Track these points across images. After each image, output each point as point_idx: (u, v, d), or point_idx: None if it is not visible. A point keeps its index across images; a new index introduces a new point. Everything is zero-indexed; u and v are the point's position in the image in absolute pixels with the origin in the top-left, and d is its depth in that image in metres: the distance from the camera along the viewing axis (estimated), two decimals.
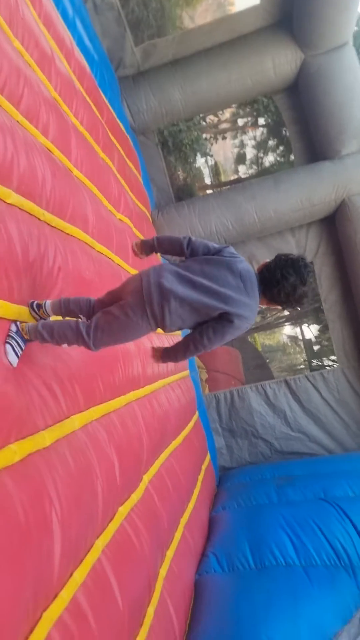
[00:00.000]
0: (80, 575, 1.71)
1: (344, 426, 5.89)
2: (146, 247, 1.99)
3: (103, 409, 2.41)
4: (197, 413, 5.26)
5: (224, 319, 1.77)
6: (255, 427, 6.02)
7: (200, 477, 4.45)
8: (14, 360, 1.64)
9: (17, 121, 2.35)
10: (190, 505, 3.66)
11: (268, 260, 1.92)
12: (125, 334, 1.83)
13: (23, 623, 1.30)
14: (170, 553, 2.81)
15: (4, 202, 1.95)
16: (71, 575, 1.66)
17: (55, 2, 3.64)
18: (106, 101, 4.56)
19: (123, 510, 2.29)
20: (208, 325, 1.79)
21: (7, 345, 1.64)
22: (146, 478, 2.81)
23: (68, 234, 2.65)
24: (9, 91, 2.27)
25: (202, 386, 6.67)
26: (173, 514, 3.07)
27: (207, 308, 1.76)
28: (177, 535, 3.08)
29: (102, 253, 3.27)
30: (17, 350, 1.67)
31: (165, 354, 1.95)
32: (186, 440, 4.23)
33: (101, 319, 1.79)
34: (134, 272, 4.08)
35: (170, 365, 4.38)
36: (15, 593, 1.25)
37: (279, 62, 5.33)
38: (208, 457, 5.18)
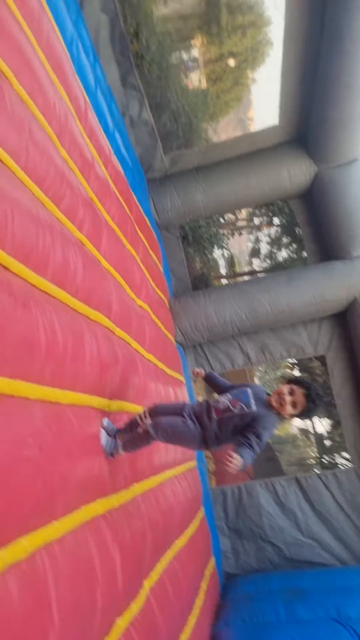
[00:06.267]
0: None
1: (357, 534, 5.47)
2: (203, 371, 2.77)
3: (107, 502, 2.31)
4: (202, 509, 4.97)
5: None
6: (263, 529, 5.62)
7: (204, 585, 4.08)
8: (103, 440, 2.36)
9: (57, 218, 2.59)
10: (192, 619, 3.32)
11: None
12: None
13: None
14: None
15: (42, 290, 2.09)
16: None
17: (98, 117, 4.16)
18: (136, 200, 4.99)
19: (121, 623, 2.09)
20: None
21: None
22: (147, 584, 2.59)
23: (93, 320, 2.77)
24: (52, 193, 2.53)
25: (208, 478, 6.37)
26: (173, 628, 2.78)
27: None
28: None
29: (121, 338, 3.37)
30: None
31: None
32: (191, 540, 3.95)
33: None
34: (149, 357, 4.16)
35: (178, 453, 4.25)
36: None
37: (294, 172, 5.84)
38: (212, 561, 4.79)
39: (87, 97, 3.63)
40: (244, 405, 2.31)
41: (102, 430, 2.37)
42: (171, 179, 6.21)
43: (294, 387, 2.29)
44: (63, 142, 2.92)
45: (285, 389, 2.30)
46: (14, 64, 2.28)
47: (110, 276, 3.33)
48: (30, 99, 2.44)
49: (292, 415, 2.32)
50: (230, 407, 2.33)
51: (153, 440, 2.38)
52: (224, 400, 2.39)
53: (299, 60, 4.92)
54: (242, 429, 2.29)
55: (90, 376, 2.40)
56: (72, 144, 3.05)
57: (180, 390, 5.09)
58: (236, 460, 2.05)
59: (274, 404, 2.29)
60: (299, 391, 2.27)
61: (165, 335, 5.20)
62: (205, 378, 2.74)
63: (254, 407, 2.30)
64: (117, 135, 4.66)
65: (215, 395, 2.64)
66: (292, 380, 2.35)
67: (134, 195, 4.87)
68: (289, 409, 2.26)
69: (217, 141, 6.44)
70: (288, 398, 2.27)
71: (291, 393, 2.28)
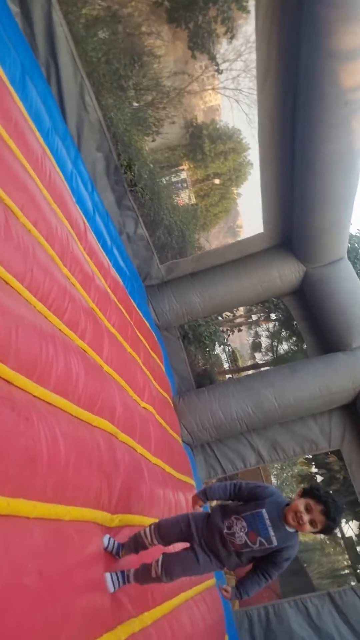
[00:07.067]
0: None
1: None
2: (201, 500, 2.43)
3: (114, 636, 2.07)
4: (227, 638, 4.37)
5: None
6: None
7: None
8: (111, 587, 2.17)
9: (60, 329, 2.72)
10: None
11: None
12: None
13: None
14: None
15: (44, 401, 2.12)
16: None
17: (97, 237, 4.56)
18: (135, 306, 5.25)
19: None
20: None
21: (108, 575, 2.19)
22: None
23: (96, 426, 2.75)
24: (55, 307, 2.69)
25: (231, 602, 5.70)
26: None
27: None
28: None
29: (125, 442, 3.30)
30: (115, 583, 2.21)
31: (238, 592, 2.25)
32: None
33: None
34: (155, 461, 4.01)
35: None
36: None
37: (284, 273, 6.19)
38: None
39: (86, 221, 4.03)
40: (264, 541, 2.15)
41: (107, 575, 2.22)
42: (168, 284, 6.59)
43: (311, 502, 2.11)
44: (65, 261, 3.18)
45: (301, 505, 2.12)
46: (20, 200, 2.60)
47: (113, 381, 3.37)
48: (35, 228, 2.73)
49: (312, 533, 2.18)
50: (249, 543, 2.17)
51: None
52: (240, 533, 2.18)
53: (276, 179, 5.53)
54: (262, 556, 2.23)
55: (93, 487, 2.32)
56: (74, 262, 3.32)
57: (192, 494, 4.81)
58: (230, 595, 2.24)
59: (291, 522, 2.13)
60: (317, 508, 2.09)
61: (172, 437, 5.07)
62: (205, 499, 2.47)
63: (274, 542, 2.15)
64: (115, 251, 5.06)
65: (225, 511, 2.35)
66: (307, 493, 2.17)
67: (133, 301, 5.13)
68: (307, 527, 2.11)
69: (209, 249, 6.97)
70: (306, 517, 2.10)
71: (308, 510, 2.11)
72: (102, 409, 2.91)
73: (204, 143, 13.84)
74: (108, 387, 3.13)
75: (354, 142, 4.54)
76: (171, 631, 2.78)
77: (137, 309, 5.29)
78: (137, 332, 4.86)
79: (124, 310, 4.54)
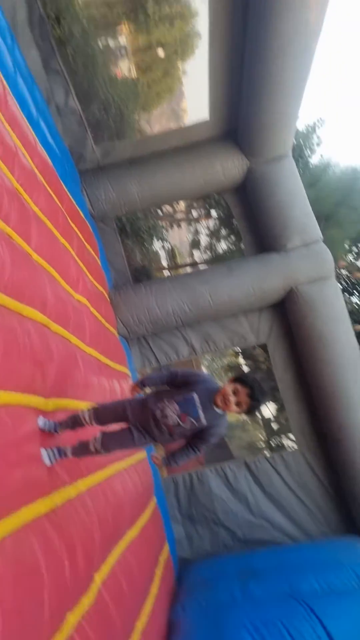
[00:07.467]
0: None
1: (306, 512, 5.74)
2: (139, 388, 2.58)
3: (50, 501, 2.24)
4: (154, 498, 4.98)
5: None
6: (216, 514, 5.75)
7: (159, 572, 4.10)
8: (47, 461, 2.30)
9: None
10: (148, 606, 3.32)
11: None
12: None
13: None
14: None
15: None
16: None
17: (20, 105, 3.95)
18: (67, 191, 4.83)
19: (72, 618, 2.05)
20: None
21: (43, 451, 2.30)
22: (98, 578, 2.56)
23: (25, 316, 2.65)
24: None
25: (159, 469, 6.40)
26: (128, 617, 2.77)
27: None
28: None
29: (58, 333, 3.26)
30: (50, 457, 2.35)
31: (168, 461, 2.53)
32: (143, 530, 3.95)
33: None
34: (90, 351, 4.07)
35: None
36: None
37: (227, 166, 5.90)
38: (166, 548, 4.82)
39: (5, 83, 3.44)
40: (193, 421, 2.37)
41: (43, 450, 2.33)
42: (104, 170, 6.09)
43: (238, 386, 2.32)
44: None
45: (229, 388, 2.33)
46: None
47: (43, 270, 3.20)
48: None
49: (238, 413, 2.40)
50: (180, 423, 2.38)
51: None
52: (172, 414, 2.38)
53: (225, 55, 4.94)
54: (193, 434, 2.46)
55: (25, 373, 2.31)
56: None
57: (126, 382, 5.05)
58: (159, 462, 2.54)
59: (220, 403, 2.35)
60: (243, 391, 2.30)
61: (107, 329, 5.12)
62: (142, 387, 2.62)
63: (203, 421, 2.38)
64: (43, 124, 4.47)
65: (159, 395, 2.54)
66: (237, 379, 2.37)
67: (64, 186, 4.71)
68: (234, 408, 2.33)
69: (150, 134, 6.38)
70: (232, 399, 2.31)
71: (235, 393, 2.32)
72: (32, 299, 2.80)
73: (147, 2, 11.92)
74: (38, 276, 2.98)
75: (310, 20, 4.10)
76: (104, 497, 3.07)
77: (69, 194, 4.88)
78: (69, 220, 4.55)
79: (54, 195, 4.17)
